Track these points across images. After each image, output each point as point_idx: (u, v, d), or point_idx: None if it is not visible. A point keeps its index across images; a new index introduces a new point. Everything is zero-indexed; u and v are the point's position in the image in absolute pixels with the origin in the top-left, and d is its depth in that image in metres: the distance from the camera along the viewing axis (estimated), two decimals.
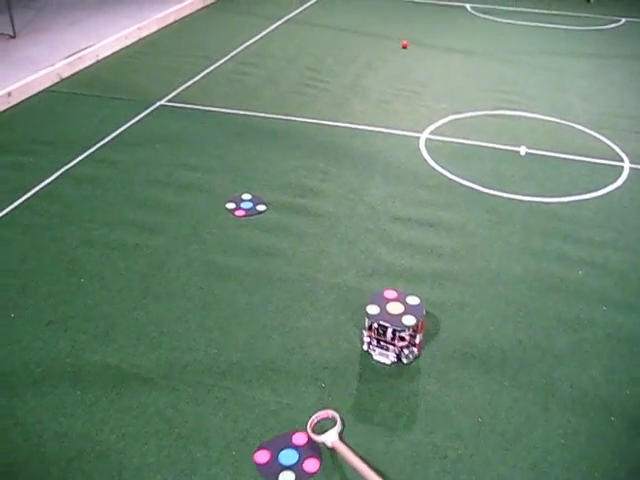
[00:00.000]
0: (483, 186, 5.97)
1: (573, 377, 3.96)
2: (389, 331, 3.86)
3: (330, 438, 3.43)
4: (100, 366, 3.95)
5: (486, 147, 6.73)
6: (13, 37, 9.22)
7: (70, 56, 8.54)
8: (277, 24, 10.71)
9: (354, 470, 3.26)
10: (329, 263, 4.89)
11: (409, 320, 3.88)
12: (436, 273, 4.81)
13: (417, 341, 3.97)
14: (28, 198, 5.63)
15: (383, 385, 3.87)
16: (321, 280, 4.71)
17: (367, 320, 3.92)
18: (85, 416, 3.63)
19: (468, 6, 12.13)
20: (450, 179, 6.09)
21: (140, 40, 9.77)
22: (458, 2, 12.41)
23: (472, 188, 5.94)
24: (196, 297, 4.52)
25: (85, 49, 8.81)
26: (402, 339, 3.88)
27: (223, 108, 7.46)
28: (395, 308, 3.97)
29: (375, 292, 4.19)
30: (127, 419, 3.61)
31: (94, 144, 6.56)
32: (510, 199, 5.78)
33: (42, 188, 5.79)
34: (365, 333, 3.98)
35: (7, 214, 5.40)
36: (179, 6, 10.92)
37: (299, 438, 3.49)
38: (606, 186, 6.08)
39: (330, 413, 3.61)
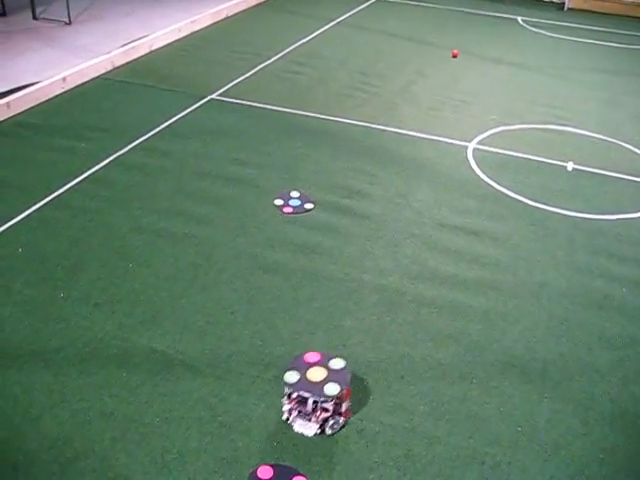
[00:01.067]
0: (529, 199, 5.97)
1: (613, 393, 3.96)
2: (309, 402, 3.50)
3: None
4: (146, 350, 4.03)
5: (534, 160, 6.72)
6: (68, 24, 9.40)
7: (124, 45, 8.68)
8: (329, 25, 10.77)
9: None
10: (374, 265, 4.93)
11: (332, 389, 3.48)
12: (480, 281, 4.83)
13: (343, 409, 3.58)
14: (79, 182, 5.75)
15: (425, 387, 3.90)
16: (366, 281, 4.76)
17: (285, 388, 3.56)
18: (130, 398, 3.71)
19: (519, 19, 12.09)
20: (497, 190, 6.09)
21: (193, 34, 9.89)
22: (510, 14, 12.36)
23: (518, 200, 5.94)
24: (242, 289, 4.59)
25: (139, 39, 8.95)
26: (325, 410, 3.52)
27: (273, 105, 7.53)
28: (317, 374, 3.57)
29: (294, 356, 3.82)
30: (171, 404, 3.68)
31: (145, 133, 6.67)
32: (556, 213, 5.77)
33: (93, 173, 5.90)
34: (285, 401, 3.59)
35: (58, 196, 5.52)
36: (233, 2, 11.03)
37: None
38: None
39: None
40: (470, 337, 4.29)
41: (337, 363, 3.65)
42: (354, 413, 3.68)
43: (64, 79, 7.60)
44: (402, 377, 3.97)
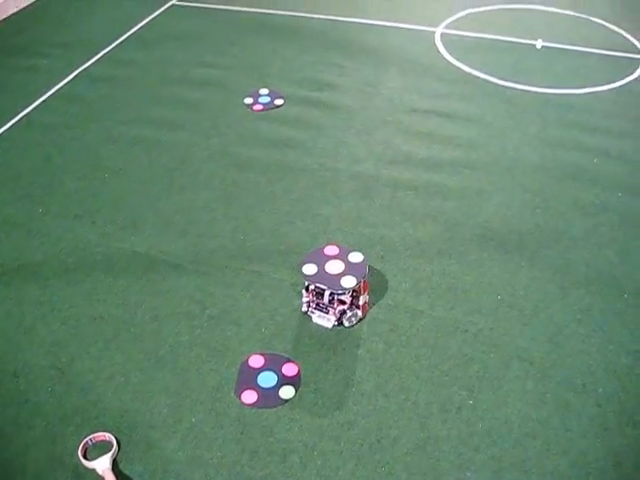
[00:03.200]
0: (500, 79, 5.95)
1: (589, 258, 4.06)
2: (326, 294, 3.55)
3: (102, 465, 2.98)
4: (130, 254, 4.08)
5: (502, 40, 6.66)
6: None
7: None
8: None
9: None
10: (348, 153, 4.95)
11: (349, 282, 3.47)
12: (454, 161, 4.87)
13: (360, 303, 3.61)
14: (46, 99, 5.67)
15: (405, 265, 3.99)
16: (341, 169, 4.79)
17: (304, 280, 3.59)
18: (118, 301, 3.78)
19: None
20: (467, 72, 6.06)
21: None
22: None
23: (489, 81, 5.92)
24: (219, 188, 4.61)
25: None
26: (342, 302, 3.57)
27: (235, 6, 7.37)
28: (334, 267, 3.56)
29: (314, 248, 3.84)
30: (159, 302, 3.76)
31: (108, 44, 6.55)
32: (527, 91, 5.77)
33: (59, 89, 5.81)
34: (304, 293, 3.64)
35: (26, 115, 5.45)
36: None
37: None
38: (623, 78, 6.03)
39: (107, 436, 3.11)
40: (447, 215, 4.36)
41: (355, 257, 3.63)
42: None
43: None
44: (382, 257, 4.05)
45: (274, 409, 3.20)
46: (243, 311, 3.70)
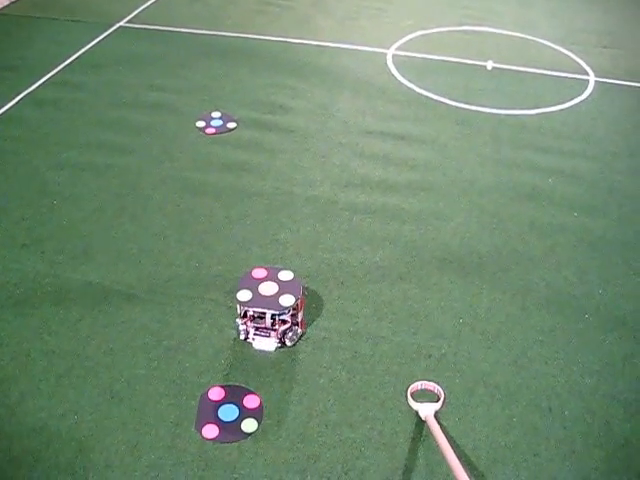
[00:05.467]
0: (452, 100, 5.97)
1: (548, 278, 4.06)
2: (267, 317, 3.49)
3: (426, 411, 3.21)
4: (81, 285, 3.94)
5: (453, 62, 6.71)
6: None
7: None
8: None
9: (440, 451, 2.97)
10: (304, 177, 4.89)
11: (287, 300, 3.45)
12: (410, 184, 4.84)
13: (299, 319, 3.59)
14: None
15: (365, 290, 3.93)
16: (297, 193, 4.72)
17: (239, 307, 3.53)
18: (70, 334, 3.63)
19: None
20: (419, 93, 6.07)
21: None
22: None
23: (441, 102, 5.94)
24: (173, 214, 4.50)
25: None
26: (284, 322, 3.55)
27: (185, 28, 7.28)
28: (269, 289, 3.53)
29: (241, 274, 3.80)
30: (113, 334, 3.62)
31: (54, 67, 6.38)
32: (479, 112, 5.80)
33: (3, 113, 5.64)
34: (239, 322, 3.57)
35: None
36: None
37: None
38: (572, 99, 6.12)
39: (437, 388, 3.36)
40: (405, 238, 4.32)
41: (286, 275, 3.61)
42: None
43: None
44: (342, 283, 3.98)
45: (236, 443, 3.09)
46: (201, 341, 3.58)
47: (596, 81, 6.45)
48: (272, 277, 3.61)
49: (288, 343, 3.55)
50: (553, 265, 4.17)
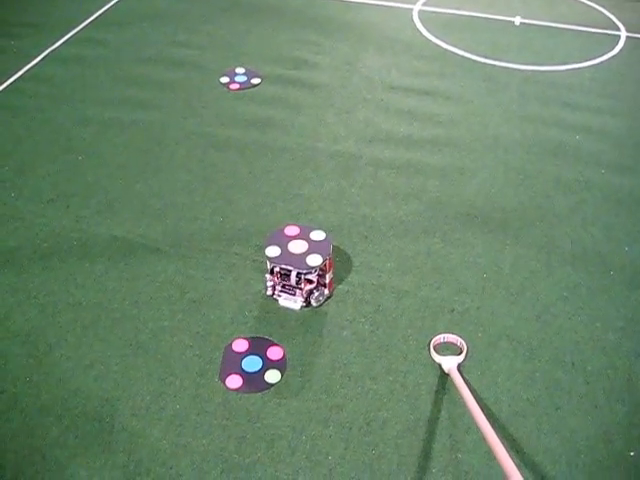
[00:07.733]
0: (479, 56, 5.89)
1: (573, 235, 4.03)
2: (293, 275, 3.46)
3: (449, 364, 3.22)
4: (106, 238, 3.97)
5: (480, 17, 6.60)
6: None
7: None
8: None
9: (462, 402, 2.97)
10: (328, 132, 4.86)
11: (315, 260, 3.42)
12: (435, 139, 4.80)
13: (327, 281, 3.57)
14: (14, 81, 5.50)
15: (389, 245, 3.93)
16: (321, 148, 4.70)
17: (268, 263, 3.50)
18: (96, 286, 3.67)
19: None
20: (445, 49, 5.99)
21: None
22: None
23: (468, 58, 5.86)
24: (197, 169, 4.50)
25: None
26: (309, 282, 3.51)
27: None
28: (298, 247, 3.50)
29: (274, 230, 3.68)
30: (138, 287, 3.66)
31: (78, 24, 6.37)
32: (506, 68, 5.72)
33: (28, 70, 5.64)
34: (268, 277, 3.55)
35: None
36: None
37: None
38: (603, 55, 6.01)
39: (460, 341, 3.37)
40: (430, 193, 4.30)
41: (318, 235, 3.57)
42: None
43: None
44: (366, 237, 3.98)
45: (260, 394, 3.13)
46: (225, 295, 3.61)
47: (627, 37, 6.32)
48: (304, 235, 3.57)
49: (314, 303, 3.53)
50: (579, 222, 4.13)
